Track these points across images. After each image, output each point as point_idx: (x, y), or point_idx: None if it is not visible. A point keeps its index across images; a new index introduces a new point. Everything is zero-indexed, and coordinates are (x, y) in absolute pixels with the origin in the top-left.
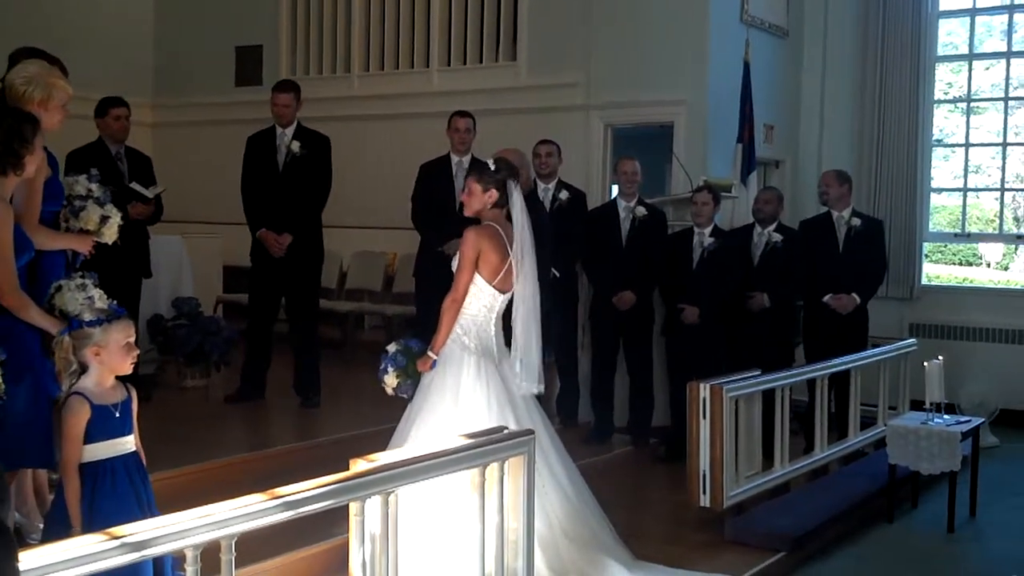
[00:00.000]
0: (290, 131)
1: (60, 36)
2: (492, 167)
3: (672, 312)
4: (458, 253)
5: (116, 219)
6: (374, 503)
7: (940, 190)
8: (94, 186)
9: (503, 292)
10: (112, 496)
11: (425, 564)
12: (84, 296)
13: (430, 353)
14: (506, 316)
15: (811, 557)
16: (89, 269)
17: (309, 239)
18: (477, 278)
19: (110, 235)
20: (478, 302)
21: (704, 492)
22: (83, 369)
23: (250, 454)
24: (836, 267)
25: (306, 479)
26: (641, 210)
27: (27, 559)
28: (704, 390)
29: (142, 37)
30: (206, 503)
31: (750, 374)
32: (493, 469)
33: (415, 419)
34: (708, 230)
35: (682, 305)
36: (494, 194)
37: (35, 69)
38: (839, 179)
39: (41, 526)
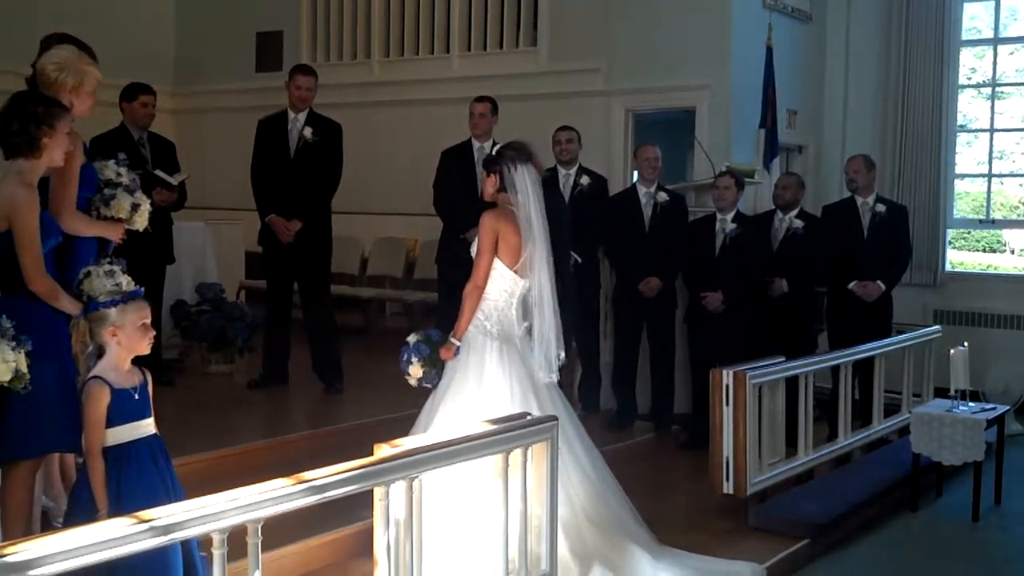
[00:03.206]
0: (303, 116)
1: (81, 22)
2: (493, 152)
3: (694, 298)
4: (476, 238)
5: (146, 206)
6: (398, 488)
7: (964, 176)
8: (123, 170)
9: (524, 277)
10: (137, 479)
11: (449, 549)
12: (112, 282)
13: (452, 340)
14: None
15: (835, 545)
16: (115, 255)
17: (318, 226)
18: (497, 263)
19: (141, 223)
20: (499, 287)
21: (727, 479)
22: (100, 352)
23: (273, 439)
24: (861, 253)
25: (330, 464)
26: (662, 196)
27: (55, 542)
28: (727, 377)
29: (163, 23)
30: (231, 488)
31: (773, 361)
32: (516, 455)
33: (438, 405)
34: (730, 216)
35: (705, 292)
36: (495, 179)
37: (66, 55)
38: (868, 165)
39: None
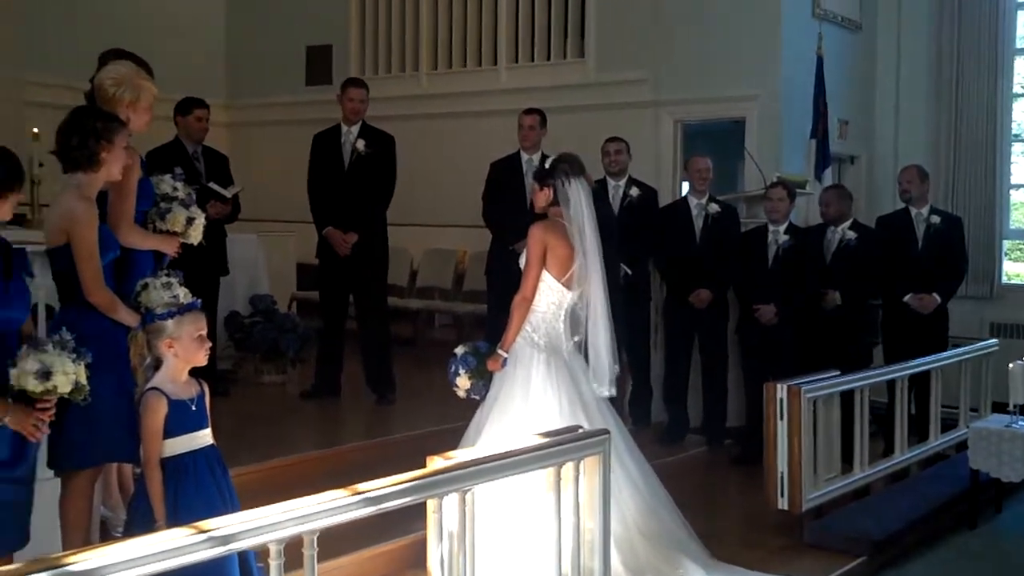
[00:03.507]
0: (355, 129)
1: (136, 37)
2: (546, 165)
3: (747, 310)
4: (525, 250)
5: (201, 220)
6: (452, 500)
7: (1020, 186)
8: (179, 184)
9: (572, 289)
10: (194, 490)
11: (502, 562)
12: (170, 294)
13: (500, 351)
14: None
15: (891, 562)
16: (171, 267)
17: (375, 237)
18: (546, 275)
19: (195, 236)
20: (547, 299)
21: (782, 495)
22: (158, 364)
23: (326, 450)
24: (915, 266)
25: (382, 475)
26: (714, 207)
27: (115, 552)
28: (782, 391)
29: (215, 38)
30: (284, 498)
31: (829, 375)
32: (569, 468)
33: (487, 417)
34: (783, 227)
35: (757, 304)
36: (548, 192)
37: (124, 71)
38: (921, 176)
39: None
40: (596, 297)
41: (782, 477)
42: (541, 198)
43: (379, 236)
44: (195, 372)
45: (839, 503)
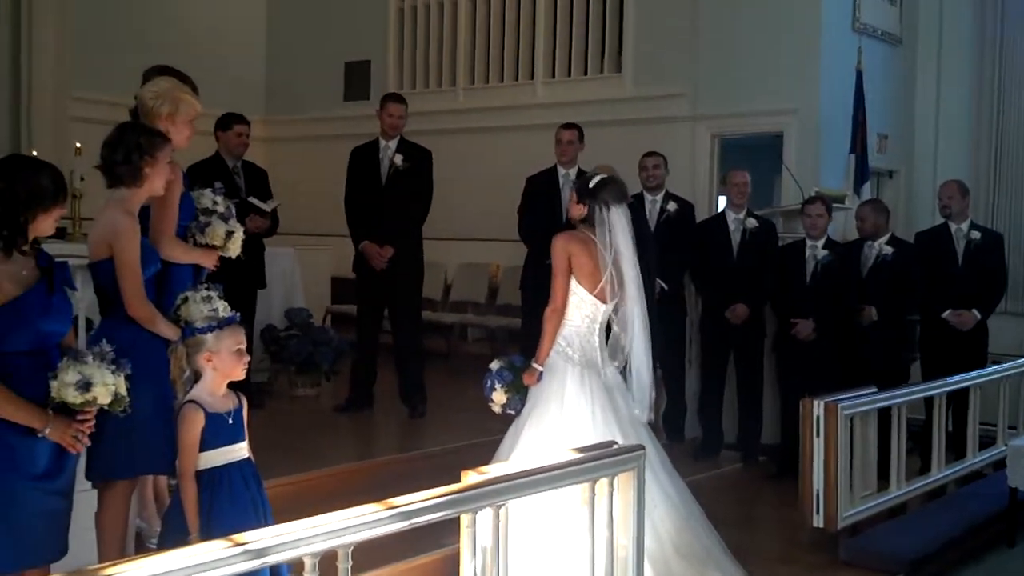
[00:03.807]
0: (393, 144)
1: (178, 53)
2: (590, 184)
3: (783, 326)
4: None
5: (240, 234)
6: (486, 515)
7: None
8: (219, 198)
9: (605, 302)
10: (229, 503)
11: None
12: (209, 308)
13: (535, 365)
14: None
15: None
16: (210, 280)
17: (410, 251)
18: (577, 287)
19: (234, 250)
20: (580, 312)
21: (818, 512)
22: (197, 377)
23: (359, 463)
24: (955, 282)
25: (415, 489)
26: (752, 222)
27: (149, 565)
28: (818, 407)
29: (256, 54)
30: (318, 511)
31: (866, 391)
32: (603, 484)
33: (521, 431)
34: (821, 242)
35: (795, 320)
36: (583, 209)
37: (165, 85)
38: (962, 191)
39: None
40: (636, 324)
41: (818, 494)
42: (576, 211)
43: (415, 250)
44: (232, 385)
45: (875, 521)
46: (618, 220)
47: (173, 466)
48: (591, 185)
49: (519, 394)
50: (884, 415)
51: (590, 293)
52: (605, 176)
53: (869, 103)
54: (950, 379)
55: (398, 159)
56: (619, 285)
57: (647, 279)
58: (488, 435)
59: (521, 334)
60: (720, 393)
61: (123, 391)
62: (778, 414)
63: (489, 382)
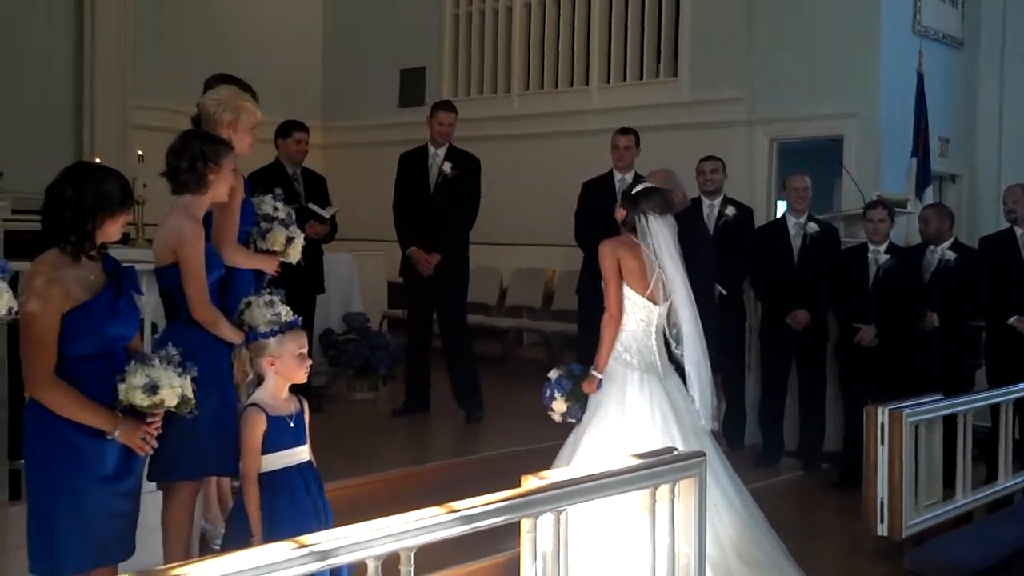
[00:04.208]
0: (442, 151)
1: (237, 61)
2: (633, 192)
3: (846, 331)
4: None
5: (300, 240)
6: (546, 520)
7: None
8: (279, 204)
9: (659, 304)
10: (290, 505)
11: None
12: (272, 312)
13: (594, 373)
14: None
15: None
16: (271, 285)
17: (457, 257)
18: (629, 292)
19: (294, 255)
20: (635, 316)
21: (882, 521)
22: (259, 381)
23: (415, 467)
24: (1021, 287)
25: (472, 494)
26: (813, 226)
27: (214, 566)
28: (883, 415)
29: (313, 62)
30: (376, 515)
31: (931, 398)
32: (664, 490)
33: (582, 436)
34: (883, 247)
35: (857, 325)
36: (622, 213)
37: (227, 93)
38: None
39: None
40: (687, 328)
41: (882, 502)
42: (619, 215)
43: (461, 256)
44: (293, 389)
45: (940, 530)
46: (659, 230)
47: (236, 468)
48: (633, 192)
49: (579, 402)
50: (949, 422)
51: (642, 296)
52: (649, 186)
53: (930, 106)
54: (1017, 386)
55: (447, 166)
56: (664, 285)
57: (706, 284)
58: (544, 440)
59: (577, 339)
60: (781, 400)
61: (189, 393)
62: (840, 421)
63: (548, 391)
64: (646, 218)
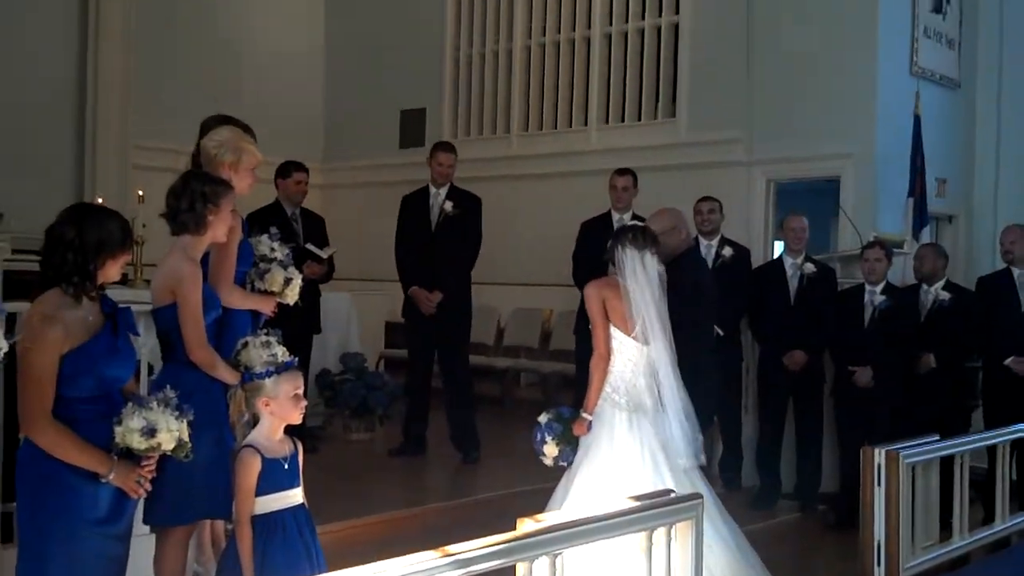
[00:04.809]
0: (443, 191)
1: (238, 102)
2: (618, 228)
3: (842, 372)
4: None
5: (298, 281)
6: (542, 564)
7: None
8: (276, 245)
9: (646, 343)
10: (283, 548)
11: None
12: (268, 353)
13: (584, 415)
14: None
15: None
16: (268, 325)
17: (459, 296)
18: (616, 332)
19: (292, 296)
20: (622, 356)
21: (878, 563)
22: (255, 421)
23: (411, 510)
24: (1019, 327)
25: (467, 537)
26: (810, 267)
27: None
28: (879, 456)
29: (313, 102)
30: (369, 558)
31: (928, 439)
32: (660, 533)
33: (573, 477)
34: (880, 287)
35: (853, 367)
36: (608, 250)
37: (228, 134)
38: None
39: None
40: (663, 371)
41: (879, 545)
42: (607, 255)
43: (463, 295)
44: (288, 429)
45: (937, 572)
46: (636, 264)
47: (230, 510)
48: (617, 228)
49: (570, 445)
50: (946, 464)
51: (628, 336)
52: (635, 223)
53: (927, 147)
54: (1015, 427)
55: (448, 206)
56: (645, 330)
57: (705, 325)
58: (540, 482)
59: (575, 379)
60: (778, 441)
61: (186, 437)
62: (837, 462)
63: (539, 435)
64: (623, 248)
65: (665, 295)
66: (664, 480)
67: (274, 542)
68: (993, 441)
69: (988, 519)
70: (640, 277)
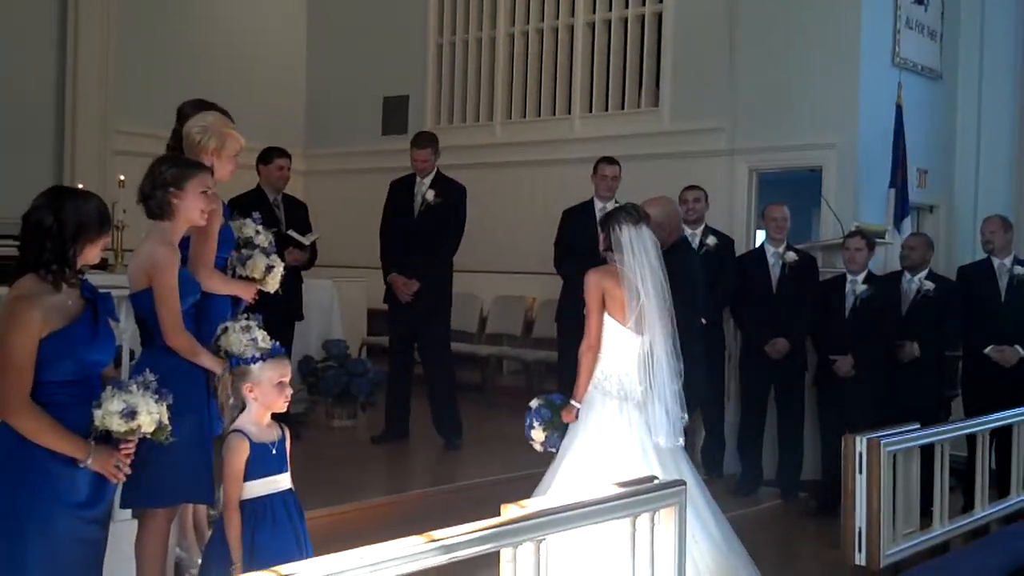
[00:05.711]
0: (428, 180)
1: (220, 87)
2: (606, 213)
3: (824, 361)
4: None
5: (279, 269)
6: (526, 549)
7: None
8: (261, 228)
9: (639, 334)
10: (271, 533)
11: None
12: (248, 337)
13: (573, 402)
14: None
15: None
16: (249, 311)
17: (438, 284)
18: (610, 321)
19: (273, 284)
20: (615, 345)
21: (860, 550)
22: (242, 406)
23: (394, 496)
24: (998, 317)
25: (450, 523)
26: (791, 255)
27: None
28: (861, 444)
29: (295, 88)
30: (353, 544)
31: (908, 427)
32: (644, 519)
33: (561, 463)
34: (861, 277)
35: (834, 355)
36: (603, 239)
37: (212, 120)
38: (1005, 226)
39: (200, 561)
40: (658, 345)
41: (860, 532)
42: (602, 244)
43: (442, 283)
44: (273, 416)
45: (917, 560)
46: (633, 241)
47: (212, 494)
48: (606, 212)
49: (558, 431)
50: (927, 452)
51: (623, 325)
52: (619, 205)
53: (909, 137)
54: (994, 416)
55: (430, 195)
56: (644, 313)
57: (692, 311)
58: (524, 468)
59: (557, 367)
60: (760, 428)
61: (166, 420)
62: (818, 450)
63: (528, 420)
64: (620, 227)
65: (665, 270)
66: (652, 468)
67: (263, 527)
68: (973, 430)
69: (968, 507)
70: (638, 252)
